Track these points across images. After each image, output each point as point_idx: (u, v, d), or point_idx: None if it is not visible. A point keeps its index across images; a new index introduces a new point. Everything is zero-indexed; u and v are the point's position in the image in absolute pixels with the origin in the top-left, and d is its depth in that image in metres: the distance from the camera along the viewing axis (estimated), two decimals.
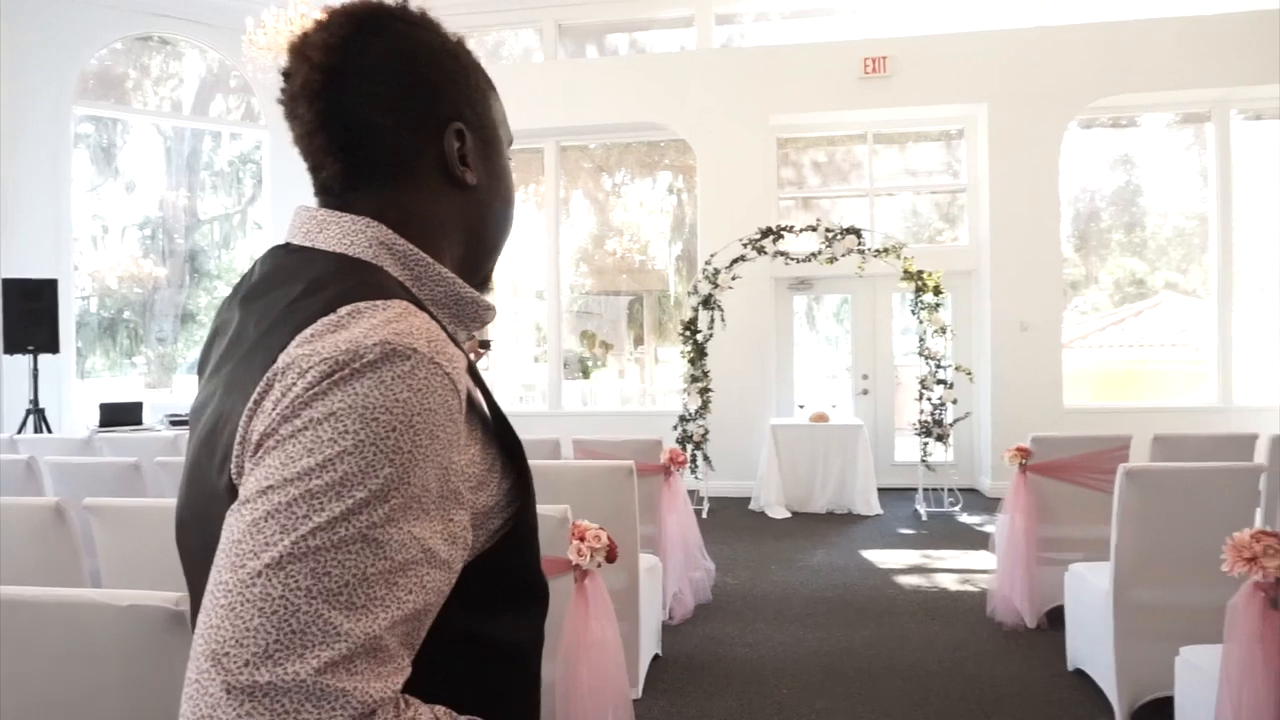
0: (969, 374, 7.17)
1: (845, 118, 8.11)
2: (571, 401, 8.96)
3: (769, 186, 8.06)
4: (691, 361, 7.22)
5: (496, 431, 0.77)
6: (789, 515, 6.96)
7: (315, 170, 0.81)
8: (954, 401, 6.98)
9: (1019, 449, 4.19)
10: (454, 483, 0.67)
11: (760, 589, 4.95)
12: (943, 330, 6.91)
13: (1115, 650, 3.15)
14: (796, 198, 8.52)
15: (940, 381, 6.91)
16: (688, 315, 7.33)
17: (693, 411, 7.18)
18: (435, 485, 0.65)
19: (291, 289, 0.73)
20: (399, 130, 0.79)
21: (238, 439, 0.65)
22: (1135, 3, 8.01)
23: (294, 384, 0.63)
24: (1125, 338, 9.01)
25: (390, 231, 0.77)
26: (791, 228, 7.18)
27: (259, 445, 0.63)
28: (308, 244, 0.78)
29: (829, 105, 7.92)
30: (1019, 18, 7.99)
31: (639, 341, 9.55)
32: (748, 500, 7.40)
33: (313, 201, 0.84)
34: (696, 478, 7.11)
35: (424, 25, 0.84)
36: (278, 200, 8.85)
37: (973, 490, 7.81)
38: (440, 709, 0.65)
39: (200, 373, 0.84)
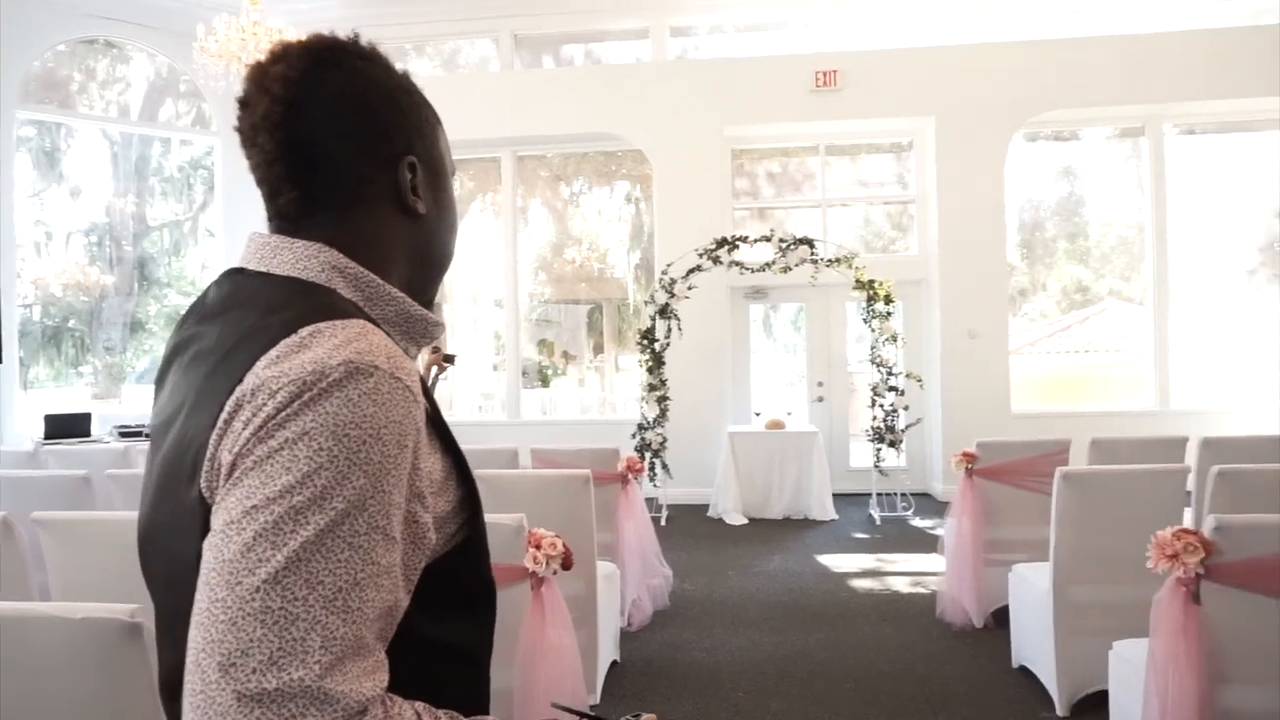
0: (919, 381, 7.33)
1: (798, 129, 8.26)
2: (531, 410, 8.97)
3: (724, 197, 8.17)
4: (649, 370, 7.28)
5: (449, 443, 0.82)
6: (746, 522, 7.05)
7: (272, 197, 0.85)
8: (905, 408, 7.14)
9: (965, 454, 4.32)
10: (419, 486, 0.72)
11: (718, 595, 5.02)
12: (894, 338, 7.07)
13: (1055, 646, 3.28)
14: (751, 208, 8.65)
15: (892, 388, 7.06)
16: (645, 324, 7.40)
17: (651, 420, 7.25)
18: (405, 490, 0.70)
19: (250, 312, 0.77)
20: (355, 161, 0.83)
21: (207, 456, 0.69)
22: (1074, 22, 8.30)
23: (264, 404, 0.67)
24: (1072, 343, 9.30)
25: (341, 256, 0.81)
26: (746, 238, 7.30)
27: (234, 465, 0.67)
28: (263, 269, 0.81)
29: (782, 117, 8.07)
30: (964, 34, 8.22)
31: (599, 350, 9.59)
32: (706, 507, 7.47)
33: (264, 224, 0.88)
34: (655, 485, 7.17)
35: (377, 61, 0.88)
36: (230, 207, 8.74)
37: (925, 494, 7.98)
38: (420, 704, 0.70)
39: (158, 391, 0.87)
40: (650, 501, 6.85)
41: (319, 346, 0.69)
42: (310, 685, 0.60)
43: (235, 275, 0.84)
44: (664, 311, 7.27)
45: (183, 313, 0.87)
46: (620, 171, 9.13)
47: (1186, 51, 7.61)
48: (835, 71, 7.91)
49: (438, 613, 0.78)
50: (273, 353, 0.70)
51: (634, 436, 7.20)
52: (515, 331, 8.77)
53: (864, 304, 7.16)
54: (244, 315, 0.77)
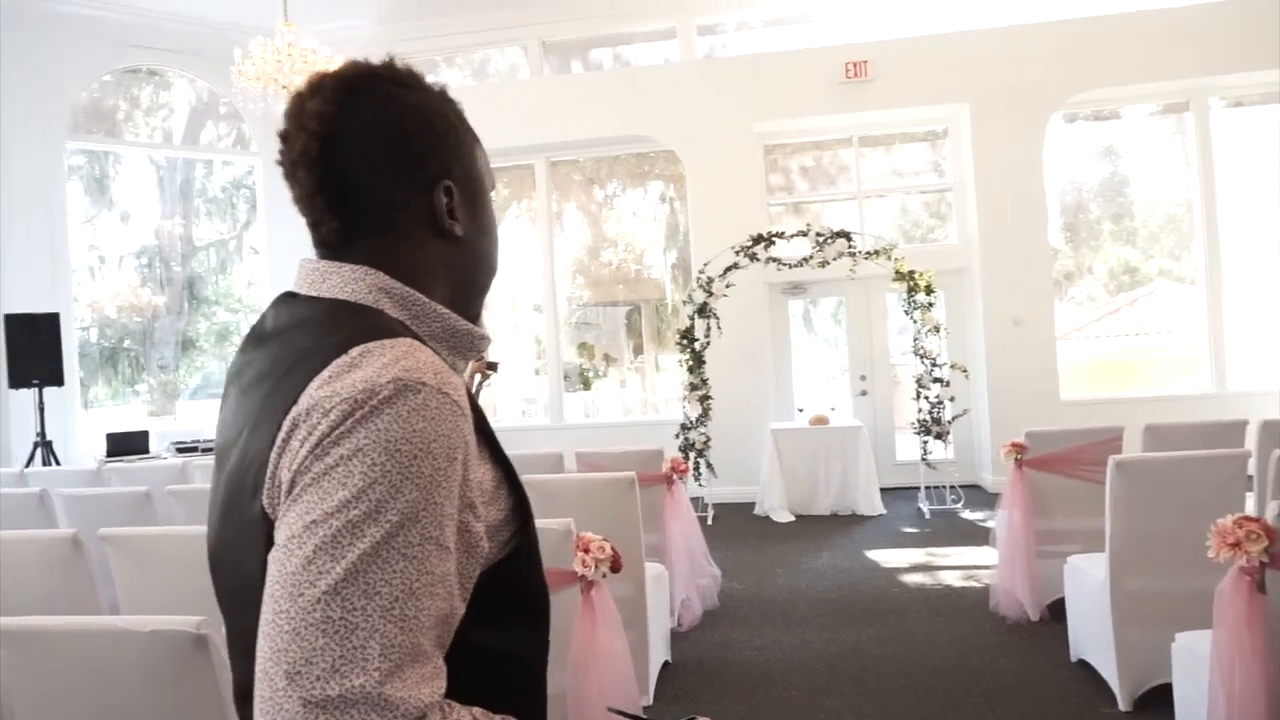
0: (965, 371, 7.23)
1: (830, 122, 8.20)
2: (574, 414, 9.02)
3: (758, 193, 8.14)
4: (690, 370, 7.28)
5: (498, 454, 0.84)
6: (793, 519, 7.02)
7: (315, 226, 0.88)
8: (951, 399, 7.04)
9: (1014, 444, 4.25)
10: (470, 496, 0.75)
11: (766, 593, 5.00)
12: (936, 329, 6.98)
13: (1115, 639, 3.21)
14: (786, 203, 8.60)
15: (937, 380, 6.97)
16: (684, 324, 7.40)
17: (694, 420, 7.24)
18: (456, 501, 0.72)
19: (304, 334, 0.80)
20: (389, 190, 0.86)
21: (268, 474, 0.72)
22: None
23: (319, 424, 0.70)
24: (1121, 327, 9.08)
25: (387, 277, 0.84)
26: (782, 234, 7.26)
27: (293, 482, 0.70)
28: (313, 293, 0.85)
29: (813, 110, 8.01)
30: (994, 18, 8.09)
31: (639, 351, 9.61)
32: (752, 505, 7.45)
33: (308, 243, 0.90)
34: (700, 485, 7.16)
35: (412, 86, 0.90)
36: (272, 224, 8.92)
37: (975, 486, 7.86)
38: (478, 710, 0.73)
39: (221, 411, 0.90)
40: (696, 501, 6.86)
41: (369, 366, 0.72)
42: (371, 692, 0.63)
43: (289, 300, 0.88)
44: (703, 310, 7.26)
45: (242, 335, 0.91)
46: (653, 172, 9.14)
47: (1227, 20, 7.39)
48: (866, 62, 7.83)
49: (492, 620, 0.80)
50: (325, 373, 0.73)
51: (677, 437, 7.20)
52: (555, 335, 8.83)
53: (904, 295, 7.08)
54: (298, 338, 0.80)
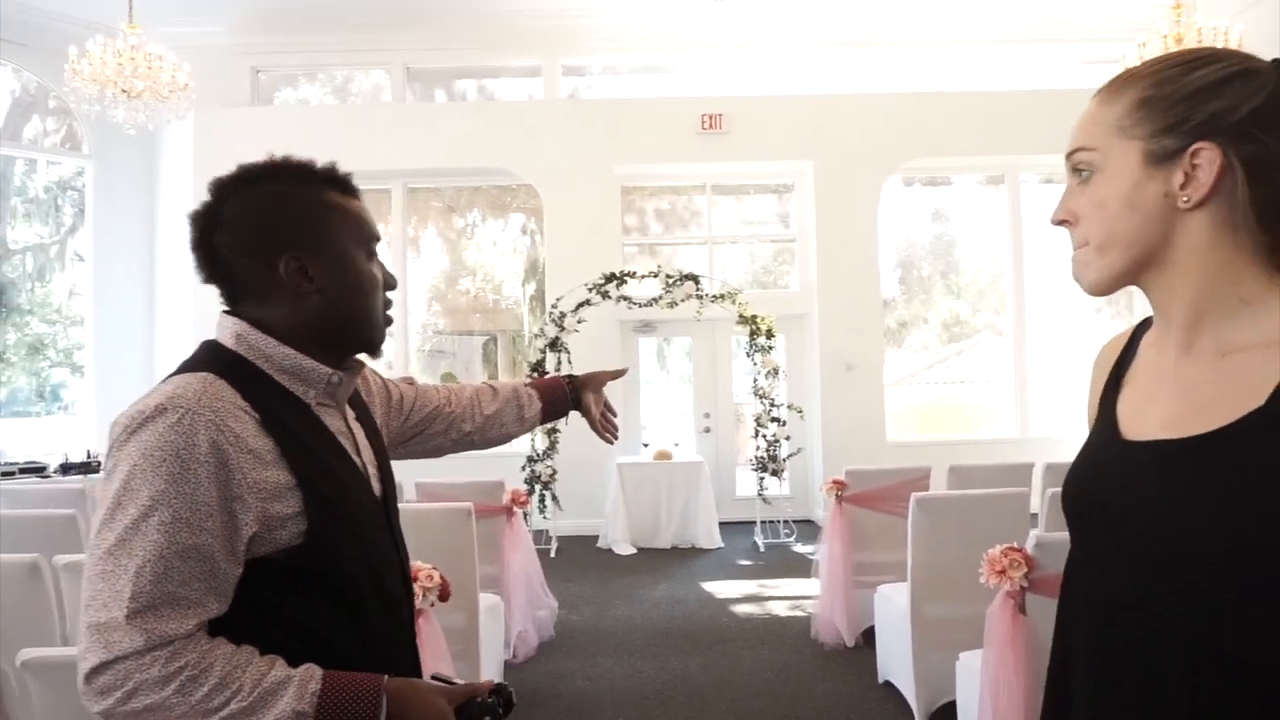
0: (800, 412, 7.65)
1: (686, 169, 8.56)
2: None
3: (614, 233, 8.36)
4: None
5: (297, 462, 1.04)
6: (635, 551, 7.16)
7: (217, 289, 1.15)
8: (787, 438, 7.43)
9: (835, 482, 4.58)
10: (236, 490, 0.98)
11: (603, 624, 5.09)
12: (775, 371, 7.37)
13: (913, 661, 3.50)
14: (641, 244, 8.88)
15: (774, 419, 7.34)
16: (538, 357, 7.47)
17: (541, 452, 7.29)
18: (214, 492, 0.96)
19: None
20: (250, 264, 1.11)
21: None
22: (943, 77, 8.94)
23: (114, 434, 0.98)
24: (949, 374, 9.89)
25: (246, 325, 1.10)
26: (634, 273, 7.49)
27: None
28: (212, 337, 1.13)
29: (670, 157, 8.35)
30: (839, 84, 8.73)
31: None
32: (596, 538, 7.54)
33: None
34: (545, 518, 7.20)
35: (284, 178, 1.14)
36: (102, 232, 8.36)
37: (808, 521, 8.28)
38: (246, 647, 0.96)
39: None
40: (540, 534, 6.89)
41: (156, 394, 0.99)
42: (120, 621, 0.90)
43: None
44: (554, 344, 7.36)
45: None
46: (514, 204, 9.21)
47: (1039, 107, 8.30)
48: (721, 115, 8.25)
49: (302, 598, 1.03)
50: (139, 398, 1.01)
51: (524, 469, 7.22)
52: (405, 361, 8.67)
53: (748, 338, 7.45)
54: None
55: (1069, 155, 0.89)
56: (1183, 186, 0.81)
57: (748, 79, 8.87)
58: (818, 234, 8.34)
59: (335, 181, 1.17)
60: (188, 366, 1.06)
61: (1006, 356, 9.01)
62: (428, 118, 8.48)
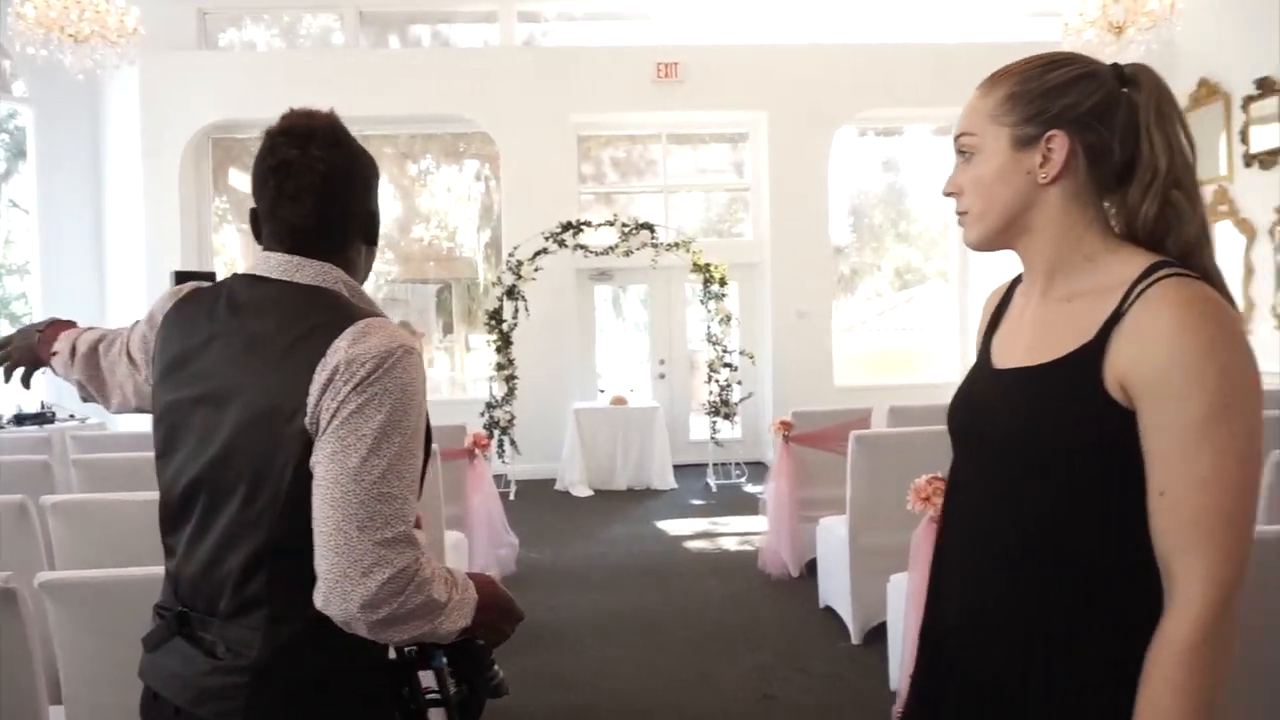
0: (751, 357, 7.90)
1: (641, 118, 8.62)
2: None
3: (570, 181, 8.43)
4: (498, 350, 7.48)
5: None
6: (592, 493, 7.41)
7: (293, 233, 1.18)
8: (739, 383, 7.69)
9: (782, 422, 4.83)
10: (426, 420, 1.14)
11: (563, 561, 5.33)
12: (727, 319, 7.59)
13: (851, 586, 3.80)
14: (597, 192, 8.95)
15: (726, 365, 7.59)
16: (494, 305, 7.57)
17: (499, 398, 7.45)
18: (424, 424, 1.11)
19: (302, 309, 1.13)
20: (359, 215, 1.24)
21: (309, 405, 1.05)
22: (895, 29, 9.06)
23: (357, 372, 1.04)
24: (899, 321, 10.22)
25: (344, 272, 1.20)
26: (590, 222, 7.60)
27: (336, 411, 1.03)
28: (285, 278, 1.16)
29: (626, 106, 8.39)
30: (792, 35, 8.81)
31: (448, 330, 9.64)
32: (554, 481, 7.77)
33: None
34: (504, 462, 7.39)
35: (352, 139, 1.23)
36: (46, 179, 8.15)
37: (759, 463, 8.58)
38: (438, 563, 1.10)
39: (184, 363, 1.18)
40: (500, 478, 7.07)
41: (377, 335, 1.07)
42: (408, 534, 1.02)
43: (258, 280, 1.18)
44: (511, 293, 7.47)
45: (189, 305, 1.22)
46: (469, 150, 9.18)
47: (991, 60, 8.30)
48: (676, 64, 8.30)
49: None
50: (348, 337, 1.07)
51: (482, 415, 7.38)
52: None
53: (701, 286, 7.63)
54: (300, 310, 1.13)
55: (955, 139, 1.09)
56: (1041, 166, 1.01)
57: (703, 28, 8.89)
58: (770, 183, 8.50)
59: None
60: (350, 307, 1.13)
61: (952, 303, 9.34)
62: (381, 63, 8.38)
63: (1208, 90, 7.60)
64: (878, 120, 9.00)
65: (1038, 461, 1.00)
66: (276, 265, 1.18)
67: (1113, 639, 0.96)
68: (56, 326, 1.57)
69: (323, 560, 1.00)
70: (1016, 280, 1.18)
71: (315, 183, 1.16)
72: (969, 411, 1.13)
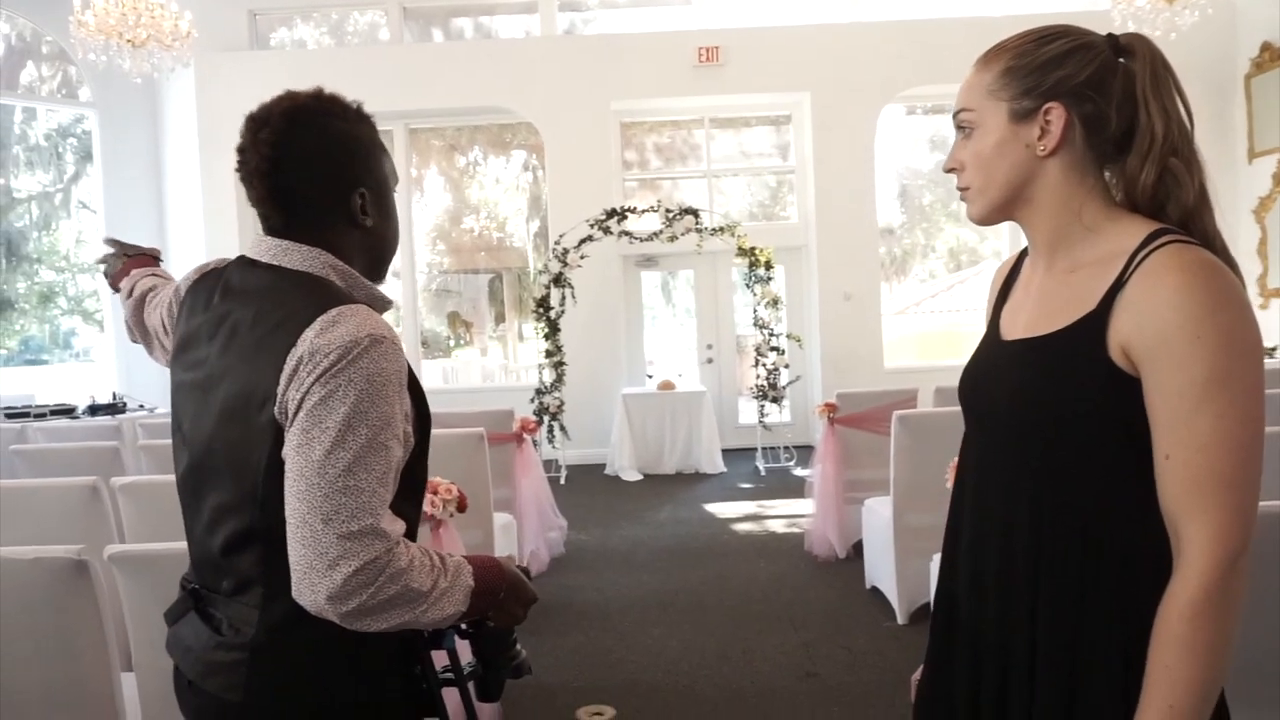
0: (799, 341, 7.87)
1: (683, 103, 8.62)
2: (431, 379, 9.14)
3: (614, 168, 8.47)
4: (546, 337, 7.59)
5: (412, 382, 1.18)
6: (641, 477, 7.49)
7: (265, 219, 1.19)
8: (786, 366, 7.67)
9: (826, 405, 4.82)
10: (406, 408, 1.10)
11: (611, 543, 5.42)
12: (774, 302, 7.57)
13: (896, 567, 3.80)
14: (640, 179, 8.99)
15: (774, 349, 7.57)
16: (540, 293, 7.68)
17: (548, 384, 7.56)
18: (401, 414, 1.08)
19: (283, 296, 1.12)
20: (320, 197, 1.18)
21: (278, 395, 1.04)
22: (935, 2, 8.88)
23: (321, 362, 1.03)
24: (951, 303, 10.08)
25: (333, 256, 1.17)
26: (634, 209, 7.64)
27: (301, 402, 1.02)
28: (274, 263, 1.16)
29: (667, 91, 8.40)
30: (834, 14, 8.71)
31: (500, 319, 9.79)
32: (603, 466, 7.86)
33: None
34: (554, 447, 7.51)
35: (336, 115, 1.20)
36: (110, 180, 8.50)
37: (808, 446, 8.52)
38: (414, 544, 1.08)
39: (188, 345, 1.21)
40: (550, 463, 7.19)
41: (347, 324, 1.05)
42: (374, 526, 1.00)
43: (250, 264, 1.18)
44: (558, 280, 7.56)
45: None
46: (515, 141, 9.29)
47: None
48: (717, 48, 8.27)
49: (402, 497, 1.13)
50: (317, 326, 1.05)
51: (532, 401, 7.50)
52: (412, 301, 8.89)
53: (747, 270, 7.63)
54: (280, 297, 1.11)
55: (955, 115, 1.10)
56: (1040, 138, 1.02)
57: (743, 11, 8.84)
58: (815, 166, 8.43)
59: (371, 122, 1.25)
60: (329, 294, 1.10)
61: None
62: (427, 57, 8.52)
63: (1271, 54, 7.32)
64: (925, 98, 8.86)
65: (1044, 428, 1.02)
66: (267, 249, 1.18)
67: (1120, 603, 0.98)
68: (140, 261, 1.65)
69: (292, 552, 0.99)
70: (1024, 253, 1.19)
71: (264, 167, 1.14)
72: (978, 381, 1.15)
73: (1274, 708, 1.83)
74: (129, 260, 1.66)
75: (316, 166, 1.17)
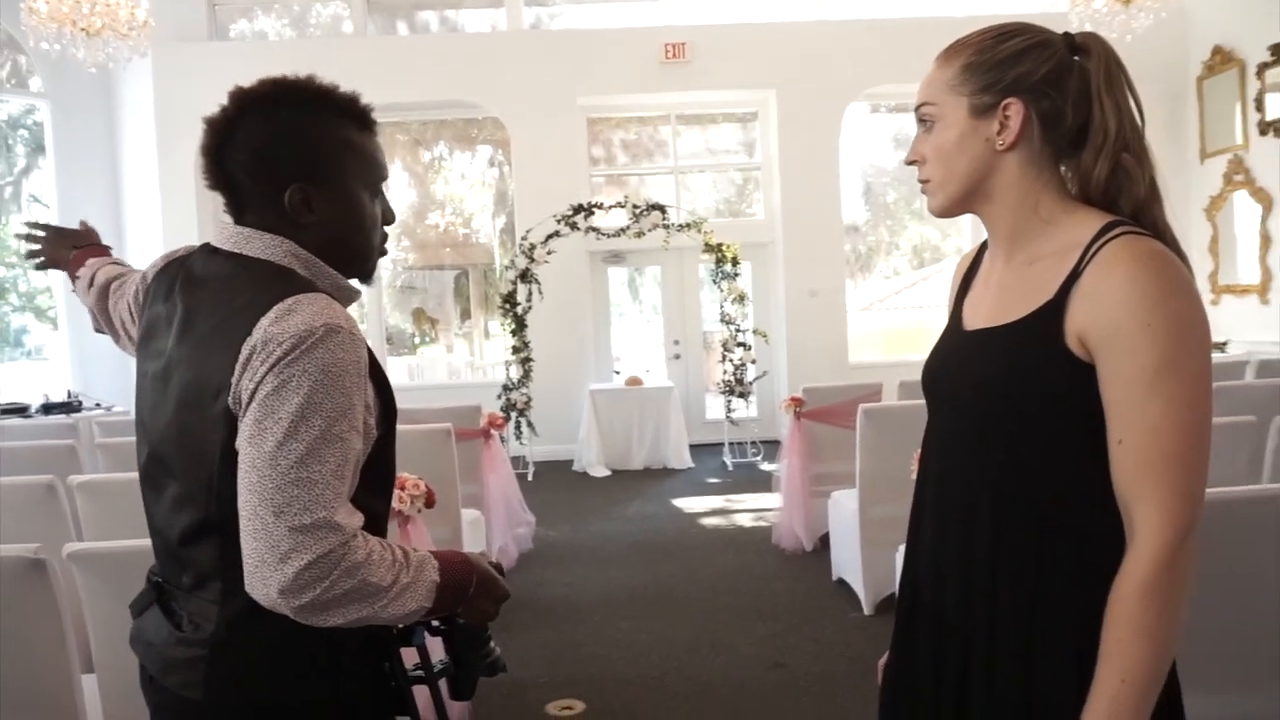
0: (765, 336, 7.93)
1: (650, 100, 8.62)
2: (397, 376, 9.05)
3: (581, 164, 8.46)
4: (513, 333, 7.56)
5: (374, 370, 1.14)
6: (609, 473, 7.49)
7: (226, 203, 1.17)
8: (753, 362, 7.72)
9: (793, 399, 4.87)
10: (367, 399, 1.08)
11: (580, 538, 5.42)
12: (740, 298, 7.62)
13: (862, 558, 3.85)
14: (607, 175, 8.99)
15: (740, 344, 7.62)
16: (509, 289, 7.65)
17: (515, 380, 7.54)
18: (360, 404, 1.05)
19: (239, 284, 1.09)
20: (256, 188, 1.15)
21: (232, 384, 1.02)
22: (900, 2, 8.99)
23: (274, 351, 1.00)
24: (914, 300, 10.22)
25: (295, 245, 1.13)
26: (601, 204, 7.64)
27: (254, 392, 1.00)
28: (237, 250, 1.13)
29: (634, 88, 8.40)
30: (799, 12, 8.77)
31: (466, 315, 9.73)
32: (571, 462, 7.86)
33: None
34: (522, 443, 7.48)
35: (297, 102, 1.15)
36: (64, 173, 8.29)
37: (774, 441, 8.56)
38: (375, 538, 1.05)
39: (153, 333, 1.18)
40: (518, 459, 7.17)
41: (303, 312, 1.02)
42: (328, 519, 0.97)
43: (212, 253, 1.16)
44: (525, 276, 7.53)
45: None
46: (481, 136, 9.23)
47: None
48: (684, 44, 8.28)
49: (366, 485, 1.11)
50: (271, 315, 1.02)
51: (499, 397, 7.47)
52: (377, 297, 8.80)
53: (713, 266, 7.66)
54: (236, 286, 1.09)
55: (916, 109, 1.13)
56: (999, 133, 1.05)
57: (709, 8, 8.88)
58: (781, 163, 8.49)
59: (353, 114, 1.19)
60: (288, 282, 1.07)
61: None
62: (391, 50, 8.43)
63: (1222, 58, 7.51)
64: (889, 96, 8.95)
65: (1003, 416, 1.04)
66: (229, 237, 1.15)
67: (1077, 586, 1.01)
68: (92, 250, 1.62)
69: (244, 545, 0.97)
70: (985, 245, 1.21)
71: (209, 147, 1.14)
72: (940, 370, 1.18)
73: (1227, 691, 1.90)
74: (80, 250, 1.62)
75: (252, 152, 1.13)
